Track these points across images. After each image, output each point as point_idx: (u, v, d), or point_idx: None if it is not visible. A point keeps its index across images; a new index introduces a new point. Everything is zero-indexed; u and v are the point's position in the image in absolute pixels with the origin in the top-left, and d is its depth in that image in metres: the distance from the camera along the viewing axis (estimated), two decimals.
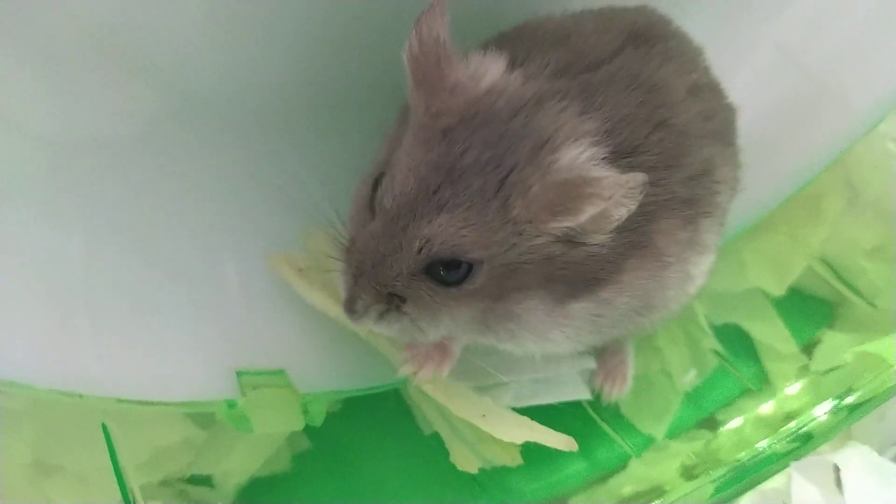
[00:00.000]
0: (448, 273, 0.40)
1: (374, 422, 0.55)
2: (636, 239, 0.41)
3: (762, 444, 0.51)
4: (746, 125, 0.52)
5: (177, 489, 0.48)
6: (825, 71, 0.62)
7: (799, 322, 0.61)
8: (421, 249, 0.39)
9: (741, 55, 0.62)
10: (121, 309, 0.48)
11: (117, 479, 0.42)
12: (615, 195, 0.36)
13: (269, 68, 0.50)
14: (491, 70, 0.41)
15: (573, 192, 0.37)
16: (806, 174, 0.64)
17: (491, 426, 0.49)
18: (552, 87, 0.41)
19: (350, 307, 0.41)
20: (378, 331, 0.42)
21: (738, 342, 0.60)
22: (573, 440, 0.50)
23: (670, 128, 0.43)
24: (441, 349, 0.49)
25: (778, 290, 0.62)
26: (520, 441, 0.49)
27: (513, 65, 0.42)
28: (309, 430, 0.52)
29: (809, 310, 0.62)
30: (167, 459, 0.48)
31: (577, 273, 0.41)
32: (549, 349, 0.45)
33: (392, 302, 0.41)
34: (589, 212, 0.37)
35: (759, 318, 0.61)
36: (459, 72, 0.41)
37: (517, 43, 0.44)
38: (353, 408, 0.55)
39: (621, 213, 0.38)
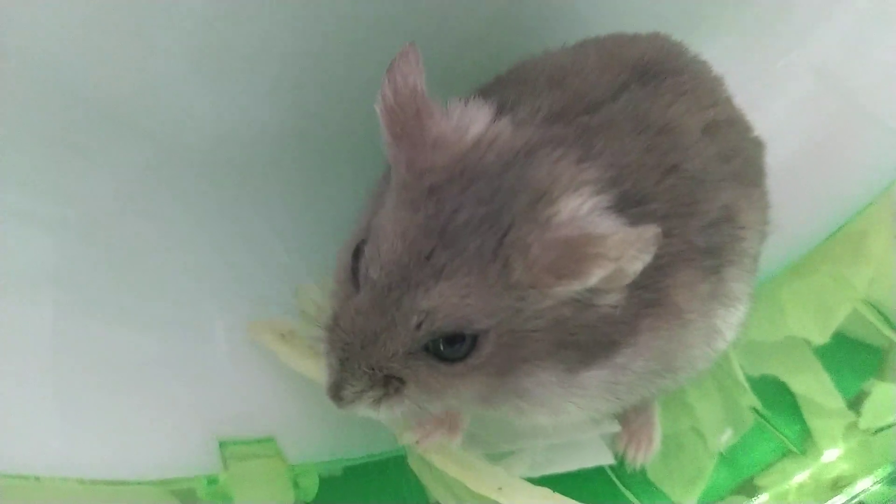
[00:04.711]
0: (451, 348, 0.36)
1: (380, 485, 0.51)
2: (651, 296, 0.38)
3: None
4: (783, 157, 0.49)
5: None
6: (868, 95, 0.59)
7: (844, 372, 0.57)
8: (420, 324, 0.35)
9: (774, 82, 0.60)
10: (91, 379, 0.45)
11: None
12: (625, 254, 0.33)
13: (253, 115, 0.48)
14: (476, 120, 0.38)
15: (577, 252, 0.34)
16: (849, 208, 0.60)
17: (510, 499, 0.45)
18: (545, 135, 0.38)
19: (336, 394, 0.38)
20: (372, 417, 0.38)
21: (777, 397, 0.56)
22: None
23: (682, 173, 0.39)
24: (450, 414, 0.46)
25: (821, 338, 0.58)
26: None
27: (501, 111, 0.39)
28: None
29: (855, 357, 0.58)
30: None
31: (590, 337, 0.37)
32: (561, 421, 0.42)
33: (390, 385, 0.37)
34: (597, 274, 0.33)
35: (801, 369, 0.57)
36: (441, 124, 0.37)
37: (508, 87, 0.42)
38: (355, 472, 0.51)
39: (636, 267, 0.34)
